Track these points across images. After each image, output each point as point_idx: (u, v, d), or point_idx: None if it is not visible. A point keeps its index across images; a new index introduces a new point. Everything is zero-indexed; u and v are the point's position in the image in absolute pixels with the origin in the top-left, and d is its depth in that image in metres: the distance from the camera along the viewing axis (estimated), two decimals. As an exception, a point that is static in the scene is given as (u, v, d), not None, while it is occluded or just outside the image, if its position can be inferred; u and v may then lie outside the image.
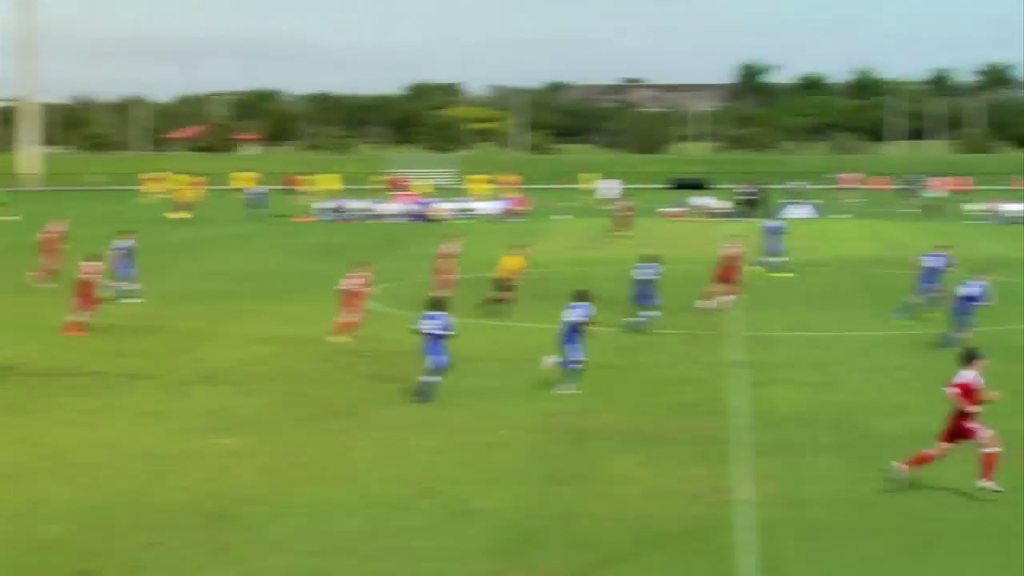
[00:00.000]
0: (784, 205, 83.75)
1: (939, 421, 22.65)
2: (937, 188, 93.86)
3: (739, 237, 39.59)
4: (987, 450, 17.97)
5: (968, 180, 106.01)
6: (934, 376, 26.85)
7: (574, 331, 25.34)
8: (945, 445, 18.27)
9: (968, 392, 17.99)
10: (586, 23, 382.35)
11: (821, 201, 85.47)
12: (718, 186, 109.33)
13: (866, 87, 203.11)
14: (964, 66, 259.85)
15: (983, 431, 18.06)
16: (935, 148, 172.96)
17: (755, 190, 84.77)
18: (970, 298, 29.96)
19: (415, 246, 57.86)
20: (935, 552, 15.79)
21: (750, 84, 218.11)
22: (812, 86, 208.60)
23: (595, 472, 19.39)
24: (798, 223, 66.57)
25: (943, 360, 28.66)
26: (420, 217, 77.76)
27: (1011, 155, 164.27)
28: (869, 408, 23.86)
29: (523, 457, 20.34)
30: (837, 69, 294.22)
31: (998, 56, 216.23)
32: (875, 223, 74.90)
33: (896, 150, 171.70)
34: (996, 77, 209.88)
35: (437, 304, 24.88)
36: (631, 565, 15.44)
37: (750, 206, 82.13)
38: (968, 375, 18.20)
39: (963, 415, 18.05)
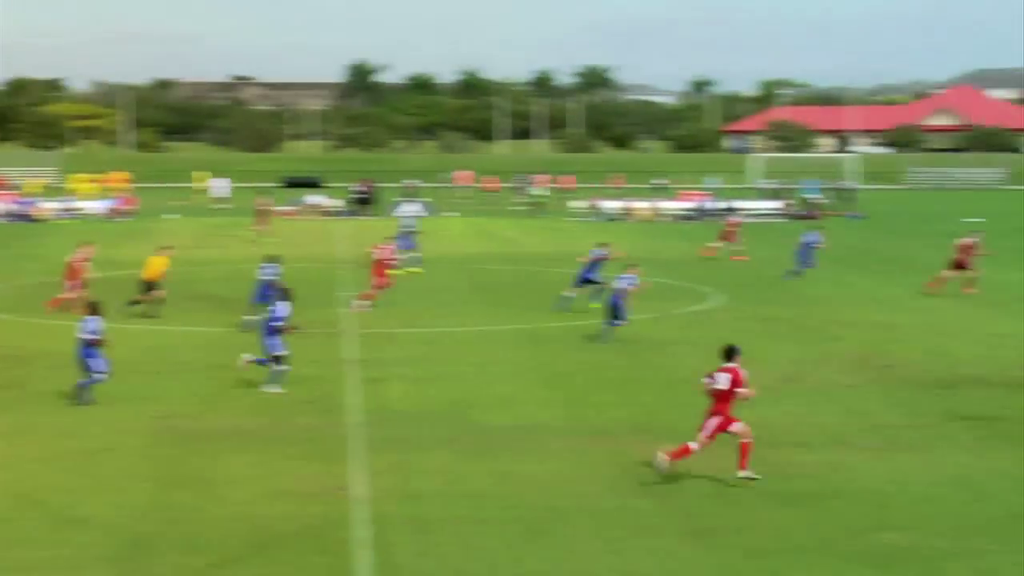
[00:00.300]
0: (397, 203, 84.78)
1: (546, 412, 23.51)
2: (541, 186, 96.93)
3: (389, 239, 40.40)
4: (744, 440, 18.74)
5: (572, 178, 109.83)
6: (541, 369, 27.84)
7: (273, 330, 25.22)
8: (704, 435, 18.85)
9: (736, 382, 18.77)
10: (193, 19, 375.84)
11: (431, 199, 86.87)
12: (331, 184, 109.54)
13: (473, 88, 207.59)
14: (564, 68, 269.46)
15: (741, 423, 18.84)
16: (539, 147, 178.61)
17: (367, 188, 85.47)
18: (624, 289, 31.28)
19: (17, 247, 55.54)
20: (544, 540, 16.33)
21: (360, 83, 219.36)
22: (421, 86, 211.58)
23: (208, 474, 19.13)
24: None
25: (549, 352, 29.78)
26: (22, 217, 74.78)
27: (609, 154, 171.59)
28: (480, 402, 24.43)
29: (132, 462, 19.86)
30: (445, 70, 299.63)
31: (596, 59, 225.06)
32: (483, 220, 76.69)
33: (503, 149, 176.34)
34: (595, 79, 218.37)
35: (92, 309, 24.37)
36: (247, 566, 15.33)
37: (363, 204, 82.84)
38: (731, 368, 18.92)
39: (722, 405, 18.76)
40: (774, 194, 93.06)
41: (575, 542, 16.23)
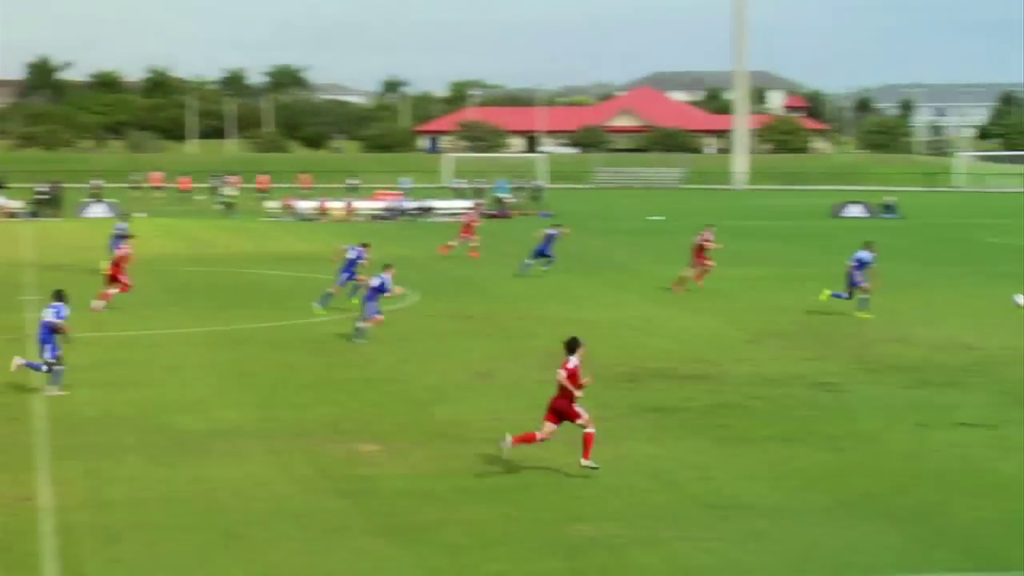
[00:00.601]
0: (85, 204, 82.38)
1: (241, 415, 23.28)
2: (233, 186, 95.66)
3: (129, 239, 39.54)
4: (588, 430, 19.12)
5: (266, 178, 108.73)
6: (236, 371, 27.51)
7: (49, 331, 24.55)
8: (550, 426, 19.21)
9: (573, 376, 18.98)
10: None
11: (118, 200, 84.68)
12: (13, 185, 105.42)
13: (161, 86, 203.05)
14: (256, 67, 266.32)
15: (584, 413, 19.17)
16: (231, 147, 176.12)
17: (50, 189, 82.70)
18: (379, 289, 31.30)
19: None
20: (239, 544, 16.16)
21: (42, 81, 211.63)
22: (106, 84, 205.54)
23: None
24: (98, 223, 65.66)
25: (242, 353, 29.47)
26: None
27: (302, 154, 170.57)
28: (173, 406, 23.98)
29: None
30: (132, 67, 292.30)
31: (288, 59, 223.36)
32: (174, 222, 75.22)
33: (194, 149, 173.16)
34: (287, 79, 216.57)
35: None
36: (-74, 585, 14.68)
37: (46, 205, 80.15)
38: (574, 360, 19.09)
39: (566, 397, 19.05)
40: (475, 194, 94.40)
41: (270, 545, 16.13)
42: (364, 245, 37.82)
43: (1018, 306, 28.15)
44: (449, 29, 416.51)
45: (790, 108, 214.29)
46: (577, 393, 19.13)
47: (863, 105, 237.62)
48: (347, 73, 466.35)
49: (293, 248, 58.12)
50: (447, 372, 27.45)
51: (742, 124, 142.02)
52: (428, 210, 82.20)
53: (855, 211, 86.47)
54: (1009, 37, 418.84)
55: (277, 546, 16.08)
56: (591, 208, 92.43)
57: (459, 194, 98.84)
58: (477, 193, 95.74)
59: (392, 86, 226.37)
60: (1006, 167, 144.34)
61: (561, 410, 19.21)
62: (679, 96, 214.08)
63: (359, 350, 30.07)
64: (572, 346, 19.43)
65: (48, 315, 24.94)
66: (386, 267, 32.47)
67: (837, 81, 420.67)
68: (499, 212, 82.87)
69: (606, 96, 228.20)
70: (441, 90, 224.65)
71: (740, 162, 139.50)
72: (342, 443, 20.91)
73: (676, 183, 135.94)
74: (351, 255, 37.10)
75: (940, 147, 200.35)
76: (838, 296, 36.48)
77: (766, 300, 39.40)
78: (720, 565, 15.46)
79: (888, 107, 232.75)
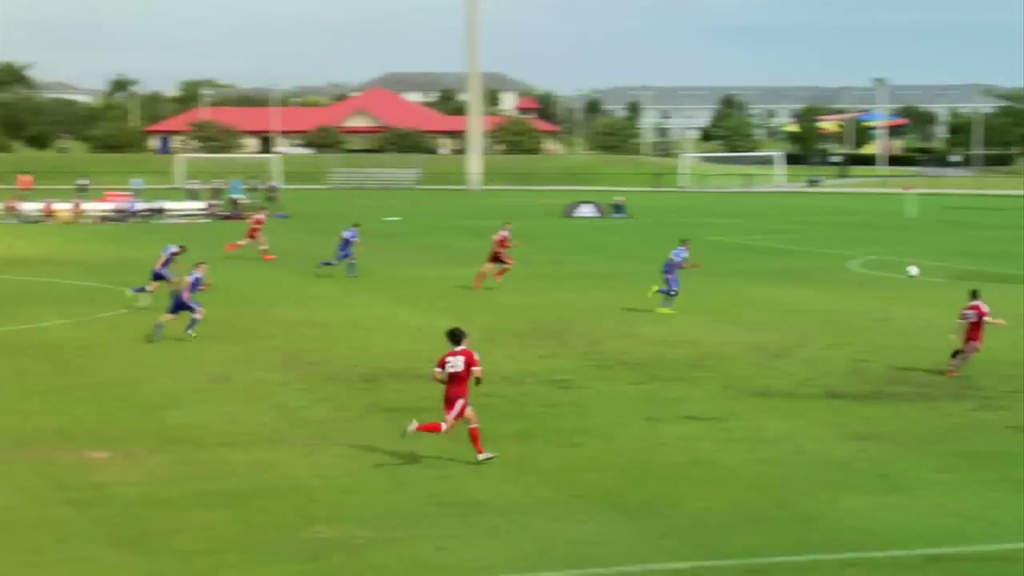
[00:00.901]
0: None
1: (-37, 424, 22.38)
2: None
3: None
4: (473, 425, 19.77)
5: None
6: (-44, 379, 26.45)
7: None
8: (450, 416, 19.73)
9: (470, 363, 19.64)
10: None
11: None
12: None
13: None
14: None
15: (469, 408, 19.78)
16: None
17: None
18: (195, 285, 32.00)
19: None
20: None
21: None
22: None
23: None
24: None
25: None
26: None
27: (27, 154, 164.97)
28: None
29: None
30: None
31: (11, 56, 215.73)
32: None
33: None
34: (9, 77, 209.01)
35: None
36: None
37: None
38: (464, 351, 19.76)
39: (462, 388, 19.68)
40: (211, 195, 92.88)
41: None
42: (180, 246, 38.71)
43: (911, 276, 29.54)
44: (180, 27, 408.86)
45: (522, 110, 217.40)
46: (479, 372, 19.80)
47: (593, 107, 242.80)
48: (73, 71, 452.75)
49: (19, 251, 56.21)
50: (182, 376, 26.96)
51: (476, 125, 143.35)
52: (160, 211, 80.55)
53: (586, 211, 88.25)
54: (730, 41, 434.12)
55: (2, 558, 15.55)
56: (327, 209, 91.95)
57: (193, 195, 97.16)
58: (214, 194, 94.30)
59: (121, 85, 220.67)
60: (727, 167, 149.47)
61: (456, 396, 19.75)
62: (413, 97, 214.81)
63: (88, 355, 29.28)
64: (458, 337, 19.95)
65: None
66: (197, 264, 32.96)
67: (568, 83, 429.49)
68: (233, 213, 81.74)
69: (341, 97, 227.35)
70: (172, 89, 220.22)
71: (474, 163, 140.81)
72: (71, 451, 20.34)
73: (412, 184, 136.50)
74: (167, 253, 37.92)
75: (666, 148, 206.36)
76: (666, 292, 37.61)
77: (500, 299, 39.89)
78: (458, 563, 15.61)
79: (616, 109, 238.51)
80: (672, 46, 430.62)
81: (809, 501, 18.03)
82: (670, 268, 37.29)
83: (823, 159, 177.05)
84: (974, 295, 27.67)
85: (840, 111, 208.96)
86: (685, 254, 37.67)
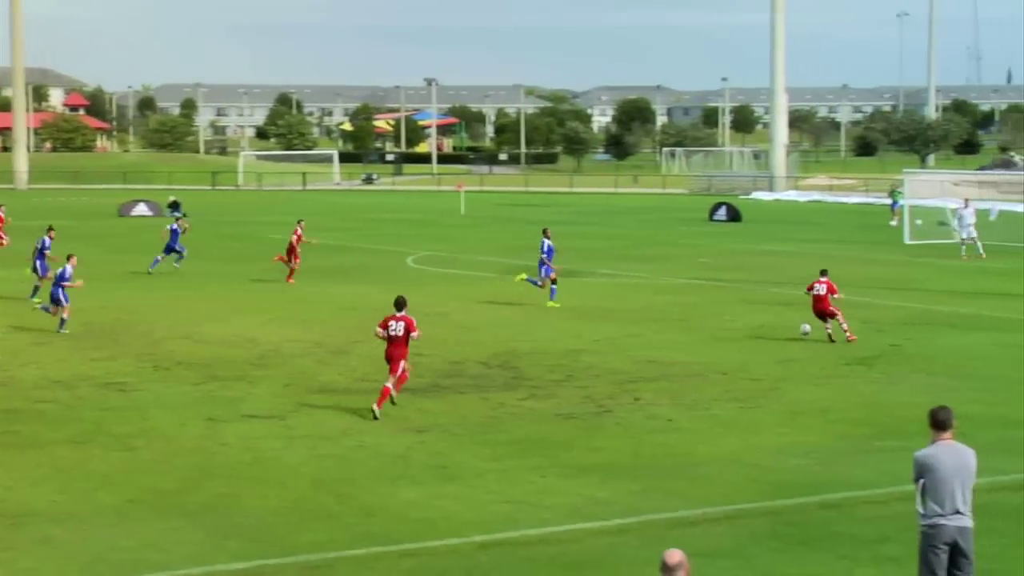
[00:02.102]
0: None
1: None
2: None
3: None
4: (406, 372, 23.46)
5: None
6: None
7: None
8: (393, 376, 23.06)
9: (410, 328, 23.09)
10: None
11: None
12: None
13: None
14: None
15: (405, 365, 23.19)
16: None
17: None
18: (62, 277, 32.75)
19: None
20: None
21: None
22: None
23: None
24: None
25: None
26: None
27: None
28: None
29: None
30: None
31: None
32: None
33: None
34: None
35: None
36: None
37: None
38: (403, 317, 23.15)
39: (402, 350, 23.03)
40: None
41: None
42: (49, 231, 39.77)
43: (805, 334, 30.94)
44: None
45: (71, 106, 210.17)
46: (417, 335, 23.30)
47: (146, 104, 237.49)
48: None
49: None
50: None
51: (20, 122, 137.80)
52: None
53: (142, 210, 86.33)
54: (286, 39, 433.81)
55: None
56: None
57: None
58: None
59: None
60: (285, 166, 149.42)
61: (400, 357, 23.02)
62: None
63: None
64: (401, 304, 23.32)
65: None
66: (68, 257, 33.74)
67: (119, 79, 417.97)
68: None
69: None
70: None
71: (21, 160, 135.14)
72: None
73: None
74: (40, 244, 38.90)
75: (223, 146, 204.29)
76: (532, 281, 38.52)
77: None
78: (11, 575, 15.03)
79: (171, 106, 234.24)
80: (226, 43, 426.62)
81: (369, 495, 18.34)
82: (547, 258, 37.99)
83: (379, 157, 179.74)
84: (823, 273, 31.39)
85: (394, 110, 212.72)
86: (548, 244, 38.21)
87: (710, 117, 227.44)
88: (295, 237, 44.38)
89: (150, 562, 15.49)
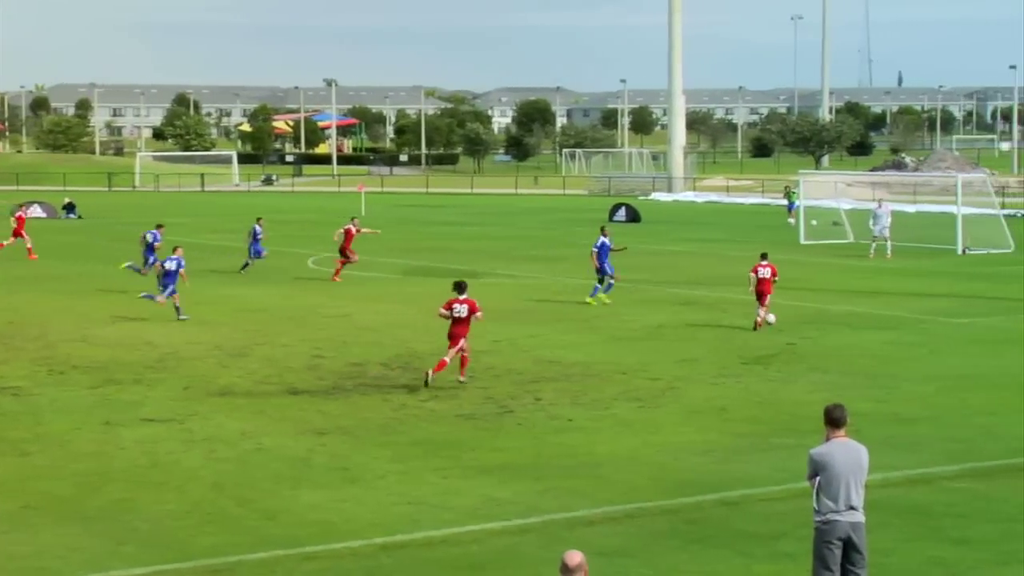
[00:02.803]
0: None
1: None
2: None
3: None
4: (467, 353, 25.93)
5: None
6: None
7: None
8: (452, 350, 25.56)
9: (472, 311, 25.64)
10: None
11: None
12: None
13: None
14: None
15: (465, 343, 25.79)
16: None
17: None
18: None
19: None
20: None
21: None
22: None
23: None
24: None
25: None
26: None
27: None
28: None
29: None
30: None
31: None
32: None
33: None
34: None
35: None
36: None
37: None
38: (467, 300, 25.63)
39: (464, 328, 25.54)
40: None
41: None
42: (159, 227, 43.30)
43: (770, 323, 32.63)
44: None
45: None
46: (479, 317, 25.86)
47: (40, 104, 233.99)
48: None
49: None
50: None
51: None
52: None
53: (36, 211, 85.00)
54: (182, 39, 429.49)
55: None
56: None
57: None
58: None
59: None
60: (183, 167, 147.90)
61: (462, 336, 25.54)
62: None
63: None
64: (462, 287, 25.84)
65: None
66: (175, 248, 36.22)
67: (11, 79, 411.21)
68: None
69: None
70: None
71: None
72: None
73: None
74: (149, 238, 42.05)
75: (119, 147, 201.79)
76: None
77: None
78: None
79: (65, 106, 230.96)
80: (122, 43, 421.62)
81: (270, 498, 18.24)
82: (602, 256, 38.10)
83: (278, 159, 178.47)
84: (764, 256, 33.70)
85: (293, 111, 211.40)
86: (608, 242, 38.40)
87: (609, 118, 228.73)
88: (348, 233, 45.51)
89: (46, 569, 15.30)
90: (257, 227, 49.01)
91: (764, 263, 33.38)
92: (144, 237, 43.40)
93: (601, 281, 38.19)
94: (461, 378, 25.81)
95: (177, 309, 35.03)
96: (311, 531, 16.69)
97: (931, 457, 20.32)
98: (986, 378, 26.83)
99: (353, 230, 45.78)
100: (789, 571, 14.99)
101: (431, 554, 15.94)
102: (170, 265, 35.32)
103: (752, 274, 33.33)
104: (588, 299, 37.98)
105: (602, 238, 38.56)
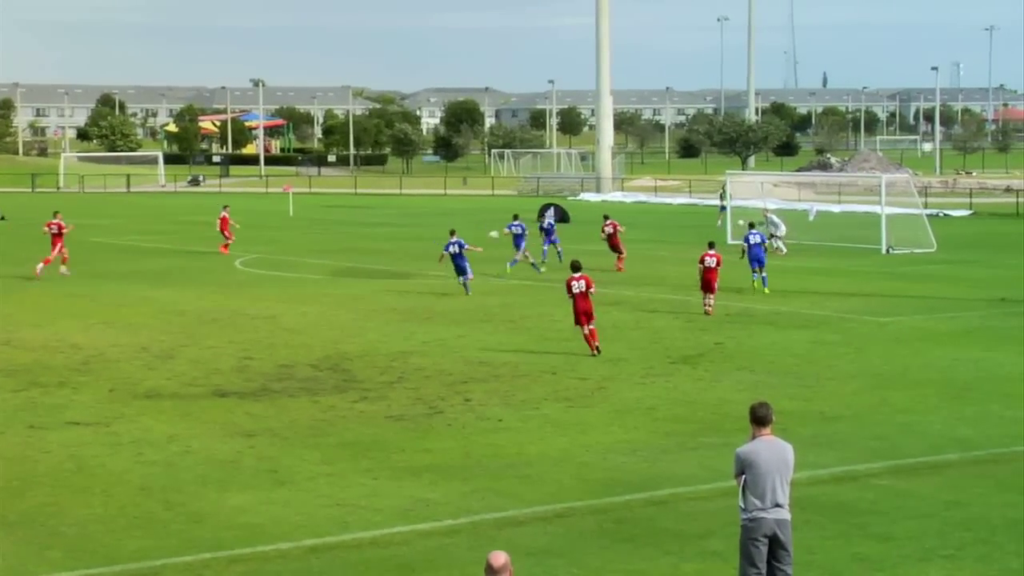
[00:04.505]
0: None
1: None
2: None
3: None
4: (593, 328, 29.04)
5: None
6: None
7: None
8: (585, 328, 28.99)
9: (589, 285, 29.04)
10: None
11: None
12: None
13: None
14: None
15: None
16: None
17: None
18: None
19: None
20: None
21: None
22: None
23: None
24: None
25: None
26: None
27: None
28: None
29: None
30: None
31: None
32: None
33: None
34: None
35: None
36: None
37: None
38: (583, 276, 29.27)
39: (587, 303, 28.86)
40: None
41: None
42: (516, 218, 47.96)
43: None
44: None
45: None
46: (594, 291, 29.16)
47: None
48: None
49: None
50: None
51: None
52: None
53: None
54: (106, 40, 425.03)
55: None
56: None
57: None
58: None
59: None
60: (108, 168, 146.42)
61: (588, 311, 28.89)
62: None
63: None
64: (577, 267, 29.51)
65: None
66: (451, 232, 41.49)
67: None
68: None
69: None
70: None
71: None
72: None
73: None
74: (517, 231, 47.04)
75: (43, 147, 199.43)
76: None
77: None
78: None
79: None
80: (45, 42, 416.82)
81: (197, 501, 18.14)
82: (758, 252, 40.95)
83: (205, 159, 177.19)
84: (711, 246, 36.31)
85: (220, 111, 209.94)
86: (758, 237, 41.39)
87: (537, 119, 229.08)
88: (612, 229, 48.86)
89: (-30, 575, 15.13)
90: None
91: (711, 252, 35.58)
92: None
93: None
94: (597, 351, 28.92)
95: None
96: (239, 534, 16.62)
97: (855, 455, 20.55)
98: (907, 376, 27.17)
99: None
100: (717, 569, 15.12)
101: (360, 556, 15.92)
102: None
103: (700, 264, 35.50)
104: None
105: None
